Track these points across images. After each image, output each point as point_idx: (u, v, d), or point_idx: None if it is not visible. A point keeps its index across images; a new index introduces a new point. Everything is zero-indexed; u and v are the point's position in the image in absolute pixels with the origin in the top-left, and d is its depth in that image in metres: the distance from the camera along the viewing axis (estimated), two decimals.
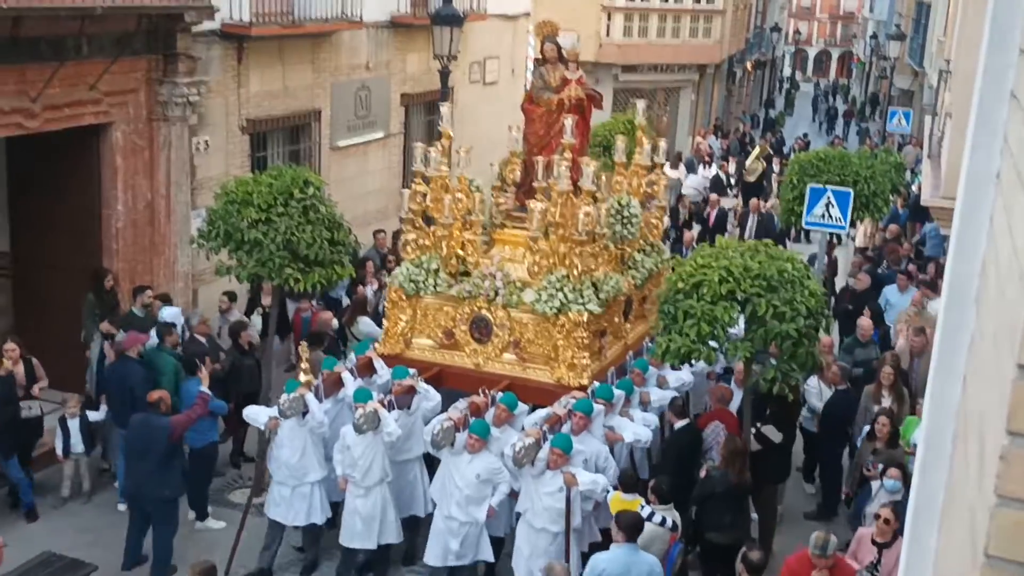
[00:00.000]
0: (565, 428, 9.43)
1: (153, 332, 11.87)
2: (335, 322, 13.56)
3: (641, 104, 13.06)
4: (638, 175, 12.09)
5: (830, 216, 15.27)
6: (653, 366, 11.16)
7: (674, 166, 28.29)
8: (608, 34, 31.49)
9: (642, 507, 8.90)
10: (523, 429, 9.43)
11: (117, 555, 10.20)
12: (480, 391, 10.00)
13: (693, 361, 10.03)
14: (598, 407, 9.72)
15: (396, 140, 19.24)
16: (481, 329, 10.63)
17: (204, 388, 10.51)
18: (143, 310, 12.65)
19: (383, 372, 10.49)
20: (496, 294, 10.46)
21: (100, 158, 13.11)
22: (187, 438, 10.54)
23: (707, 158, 28.99)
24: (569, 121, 10.65)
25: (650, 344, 11.51)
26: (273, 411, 9.91)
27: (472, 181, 11.25)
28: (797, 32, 78.76)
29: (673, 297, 9.70)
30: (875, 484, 9.63)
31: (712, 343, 9.57)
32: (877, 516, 8.75)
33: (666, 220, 20.08)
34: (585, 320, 10.17)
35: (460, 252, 10.90)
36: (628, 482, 9.35)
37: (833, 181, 15.89)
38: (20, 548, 9.98)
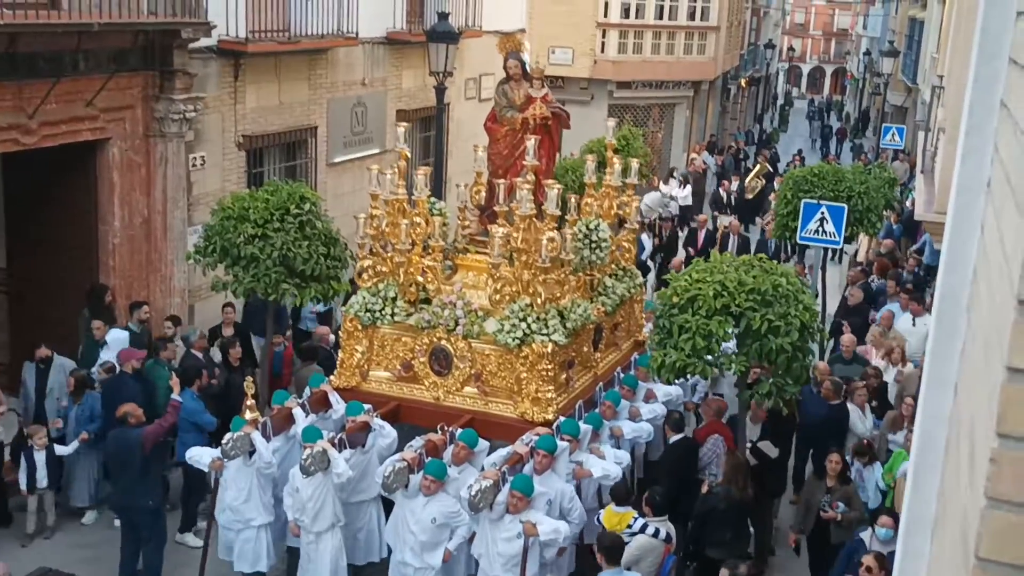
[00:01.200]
0: (527, 468, 8.94)
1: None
2: (332, 337, 13.44)
3: (612, 122, 12.57)
4: (609, 196, 11.48)
5: (824, 232, 15.34)
6: (625, 398, 10.64)
7: (665, 181, 28.42)
8: (603, 51, 31.59)
9: (635, 519, 8.92)
10: (484, 469, 8.92)
11: (113, 570, 10.16)
12: (439, 428, 9.46)
13: (688, 376, 10.06)
14: (562, 444, 9.13)
15: (392, 156, 19.28)
16: (441, 361, 10.07)
17: (175, 396, 10.55)
18: (139, 326, 12.67)
19: (339, 407, 9.95)
20: (456, 324, 9.95)
21: (97, 174, 13.12)
22: (178, 453, 10.66)
23: (681, 178, 28.99)
24: (531, 142, 10.08)
25: (638, 357, 11.45)
26: (218, 451, 9.31)
27: (435, 203, 10.87)
28: (791, 49, 79.01)
29: (668, 311, 9.74)
30: (865, 534, 9.12)
31: (707, 357, 9.60)
32: (860, 564, 8.33)
33: (648, 242, 20.20)
34: (550, 351, 9.63)
35: (420, 279, 10.30)
36: (621, 495, 9.31)
37: (827, 197, 15.96)
38: (17, 567, 9.91)
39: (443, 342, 10.01)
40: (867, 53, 57.02)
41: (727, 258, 10.27)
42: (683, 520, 9.78)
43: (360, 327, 10.31)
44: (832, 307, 16.89)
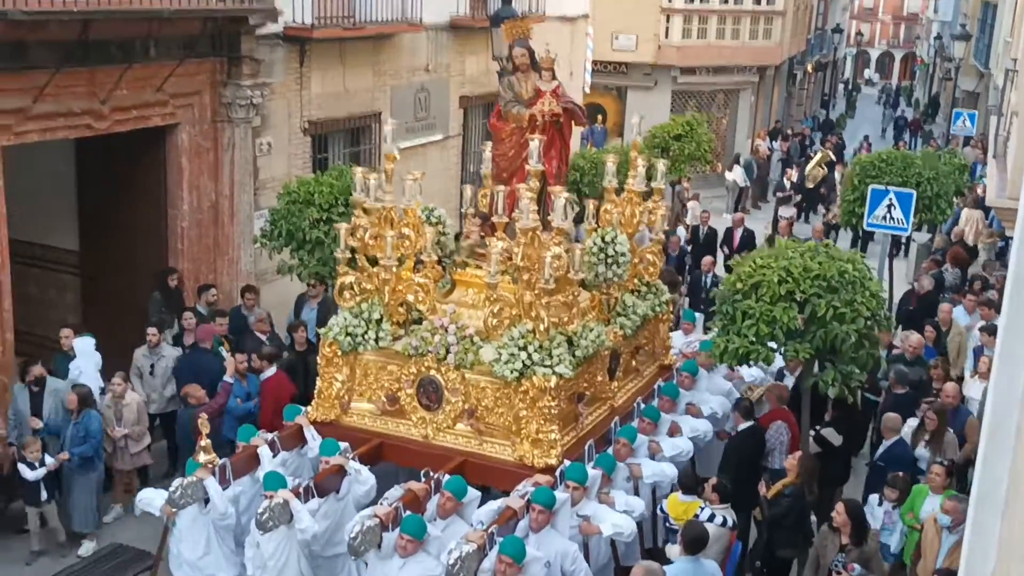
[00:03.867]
0: (522, 525, 7.78)
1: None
2: None
3: (636, 119, 11.23)
4: (632, 203, 10.22)
5: (892, 218, 15.08)
6: (643, 432, 9.42)
7: (730, 168, 28.18)
8: (667, 36, 31.34)
9: (702, 509, 8.80)
10: (473, 526, 7.82)
11: None
12: (422, 474, 8.24)
13: (751, 362, 9.90)
14: (562, 496, 7.90)
15: (455, 142, 19.37)
16: (430, 394, 8.88)
17: (228, 378, 10.64)
18: (207, 308, 12.89)
19: (315, 443, 8.81)
20: (447, 351, 8.73)
21: (166, 159, 13.37)
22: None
23: (763, 158, 28.67)
24: (535, 142, 8.87)
25: (662, 385, 10.29)
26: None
27: (432, 211, 9.77)
28: (859, 33, 77.66)
29: (731, 297, 9.65)
30: None
31: (771, 344, 9.49)
32: None
33: (683, 235, 19.22)
34: (553, 385, 8.45)
35: (410, 298, 9.12)
36: (688, 484, 9.10)
37: (895, 183, 15.70)
38: None
39: (432, 372, 8.84)
40: (938, 37, 55.83)
41: (792, 244, 10.13)
42: (746, 507, 9.68)
43: (339, 353, 9.20)
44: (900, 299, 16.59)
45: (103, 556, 10.10)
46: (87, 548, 10.60)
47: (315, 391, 9.45)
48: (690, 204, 22.97)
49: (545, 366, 8.46)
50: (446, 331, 8.78)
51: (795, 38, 38.18)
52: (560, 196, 8.56)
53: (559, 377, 8.50)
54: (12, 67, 10.83)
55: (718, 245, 19.32)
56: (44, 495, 10.31)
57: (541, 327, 8.49)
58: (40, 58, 11.02)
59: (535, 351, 8.44)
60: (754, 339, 9.33)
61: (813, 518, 9.63)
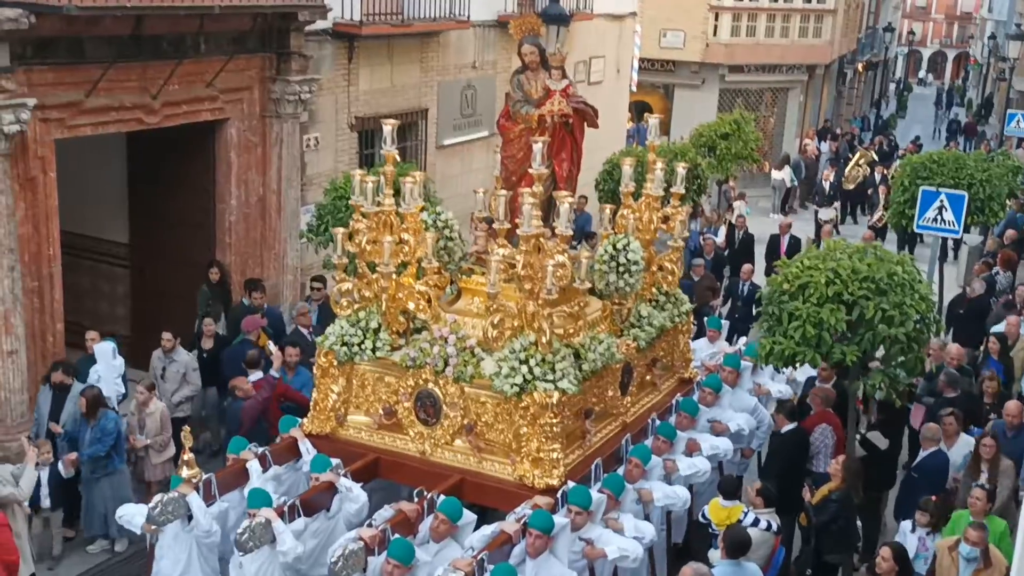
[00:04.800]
0: (517, 550, 7.37)
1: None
2: None
3: (653, 120, 10.52)
4: (649, 208, 9.79)
5: (943, 220, 14.86)
6: (658, 452, 8.94)
7: (778, 168, 27.92)
8: (715, 34, 31.12)
9: (745, 513, 8.72)
10: (469, 549, 7.41)
11: None
12: (415, 494, 7.87)
13: (796, 365, 9.78)
14: (561, 521, 7.45)
15: (500, 139, 19.37)
16: (428, 408, 8.49)
17: (273, 372, 10.68)
18: (253, 303, 13.00)
19: (309, 457, 8.45)
20: (446, 363, 8.32)
21: (215, 154, 13.51)
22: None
23: (783, 159, 28.29)
24: (538, 145, 8.36)
25: (681, 400, 9.84)
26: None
27: (439, 215, 9.32)
28: (911, 32, 76.52)
29: (777, 298, 9.55)
30: None
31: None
32: None
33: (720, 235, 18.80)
34: (556, 402, 8.00)
35: (411, 306, 8.68)
36: (729, 488, 8.98)
37: (947, 184, 15.46)
38: None
39: (430, 385, 8.44)
40: (992, 37, 54.95)
41: (840, 244, 10.00)
42: (789, 511, 9.59)
43: (335, 363, 8.80)
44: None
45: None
46: (98, 546, 10.45)
47: (311, 403, 9.07)
48: (736, 203, 22.82)
49: (547, 381, 7.99)
50: (446, 342, 8.38)
51: (846, 37, 37.75)
52: (564, 201, 8.19)
53: (562, 393, 8.03)
54: (67, 61, 10.99)
55: (760, 252, 18.92)
56: (48, 502, 9.92)
57: (543, 339, 8.04)
58: (94, 53, 11.18)
59: (537, 365, 8.00)
60: (800, 341, 9.24)
61: (858, 523, 9.53)
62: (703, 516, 9.02)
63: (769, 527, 8.71)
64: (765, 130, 30.92)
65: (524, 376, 7.99)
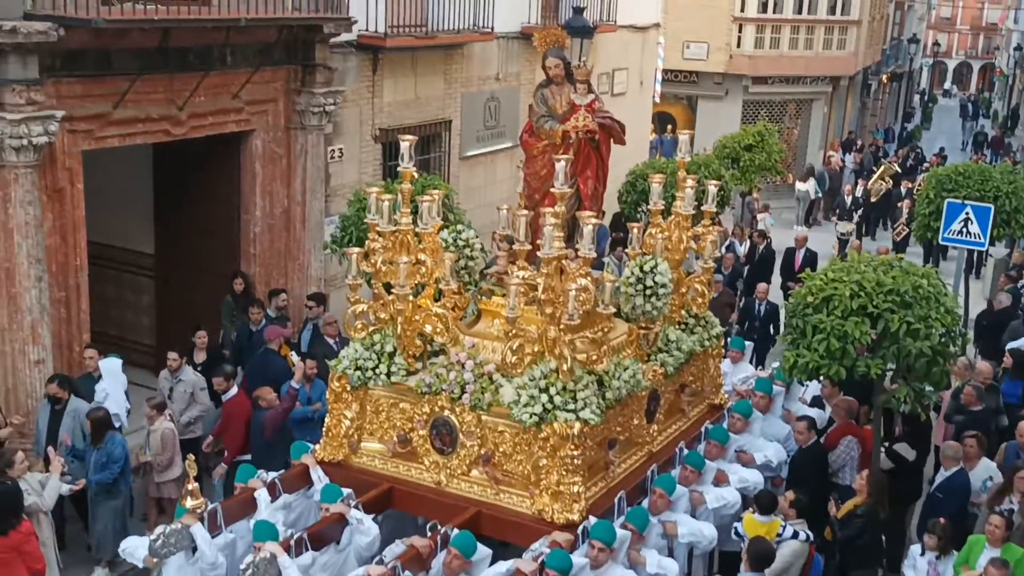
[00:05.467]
0: None
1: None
2: None
3: (684, 137, 9.95)
4: (679, 227, 9.33)
5: (968, 232, 14.77)
6: (684, 483, 8.58)
7: (803, 179, 27.82)
8: (739, 45, 31.10)
9: (783, 527, 8.54)
10: None
11: None
12: (428, 528, 7.60)
13: (821, 378, 9.73)
14: (580, 561, 7.12)
15: (523, 151, 19.41)
16: (443, 436, 8.09)
17: (294, 383, 10.70)
18: (277, 312, 13.06)
19: (321, 485, 8.10)
20: (462, 390, 7.93)
21: (240, 165, 13.60)
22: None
23: (806, 171, 28.11)
24: (561, 163, 7.93)
25: (711, 427, 9.54)
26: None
27: (460, 232, 8.93)
28: (936, 44, 76.10)
29: (801, 311, 9.51)
30: None
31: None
32: None
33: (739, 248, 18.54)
34: (576, 432, 7.57)
35: (428, 329, 8.26)
36: (766, 503, 8.74)
37: (972, 196, 15.37)
38: None
39: (446, 412, 8.04)
40: (1018, 48, 54.67)
41: (865, 257, 9.96)
42: (811, 524, 9.49)
43: (349, 388, 8.44)
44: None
45: None
46: (100, 574, 10.28)
47: (323, 428, 8.73)
48: (760, 215, 22.76)
49: (568, 410, 7.57)
50: (463, 367, 8.00)
51: (870, 48, 37.62)
52: (588, 222, 7.70)
53: (584, 423, 7.60)
54: (95, 74, 11.10)
55: (776, 266, 18.53)
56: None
57: (564, 367, 7.61)
58: (122, 65, 11.29)
59: (557, 394, 7.59)
60: (824, 354, 9.19)
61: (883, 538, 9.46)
62: (736, 532, 8.78)
63: (806, 538, 8.61)
64: (789, 142, 30.84)
65: (544, 405, 7.59)
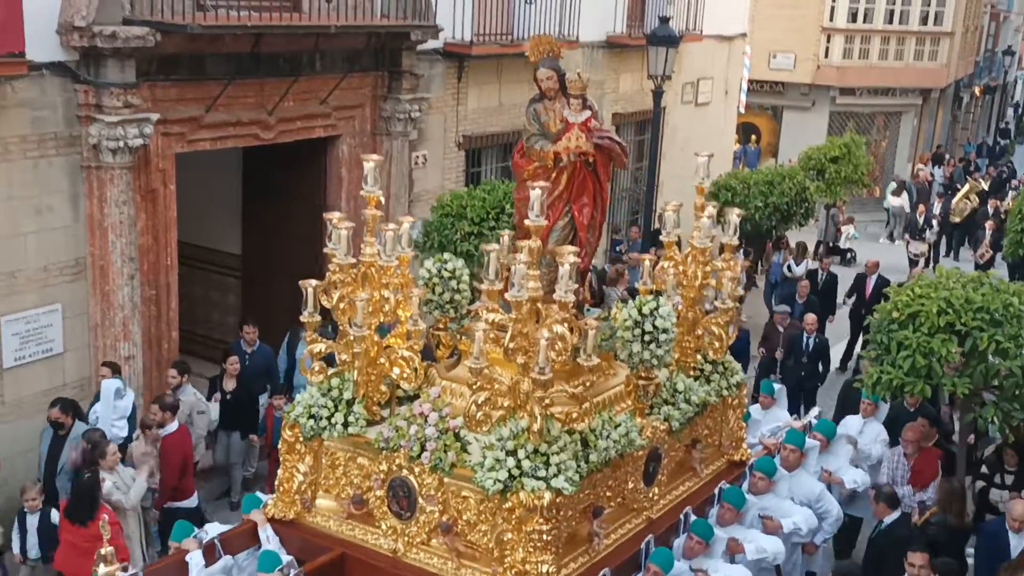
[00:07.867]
0: None
1: None
2: None
3: (703, 159, 8.46)
4: (695, 260, 8.17)
5: None
6: (689, 554, 7.46)
7: (896, 193, 27.25)
8: (827, 56, 30.70)
9: None
10: None
11: None
12: None
13: (905, 397, 9.53)
14: None
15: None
16: (401, 499, 7.08)
17: None
18: None
19: (269, 546, 7.28)
20: (422, 447, 6.91)
21: (327, 169, 13.81)
22: None
23: (896, 185, 27.28)
24: (536, 192, 6.74)
25: (726, 487, 8.23)
26: None
27: (446, 262, 7.85)
28: None
29: (887, 327, 9.37)
30: None
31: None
32: None
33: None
34: (546, 504, 6.44)
35: (394, 374, 7.31)
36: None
37: None
38: None
39: (404, 472, 7.02)
40: None
41: (953, 273, 9.77)
42: None
43: (302, 438, 7.46)
44: None
45: None
46: None
47: (276, 482, 7.73)
48: (844, 228, 22.41)
49: (538, 477, 6.44)
50: (425, 420, 6.98)
51: (963, 60, 36.82)
52: (567, 260, 6.53)
53: (556, 493, 6.47)
54: (189, 78, 11.39)
55: (844, 294, 17.34)
56: (36, 551, 9.23)
57: (535, 427, 6.47)
58: (214, 70, 11.56)
59: (527, 457, 6.46)
60: (909, 371, 9.04)
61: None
62: None
63: None
64: (876, 154, 30.31)
65: (510, 471, 6.48)
